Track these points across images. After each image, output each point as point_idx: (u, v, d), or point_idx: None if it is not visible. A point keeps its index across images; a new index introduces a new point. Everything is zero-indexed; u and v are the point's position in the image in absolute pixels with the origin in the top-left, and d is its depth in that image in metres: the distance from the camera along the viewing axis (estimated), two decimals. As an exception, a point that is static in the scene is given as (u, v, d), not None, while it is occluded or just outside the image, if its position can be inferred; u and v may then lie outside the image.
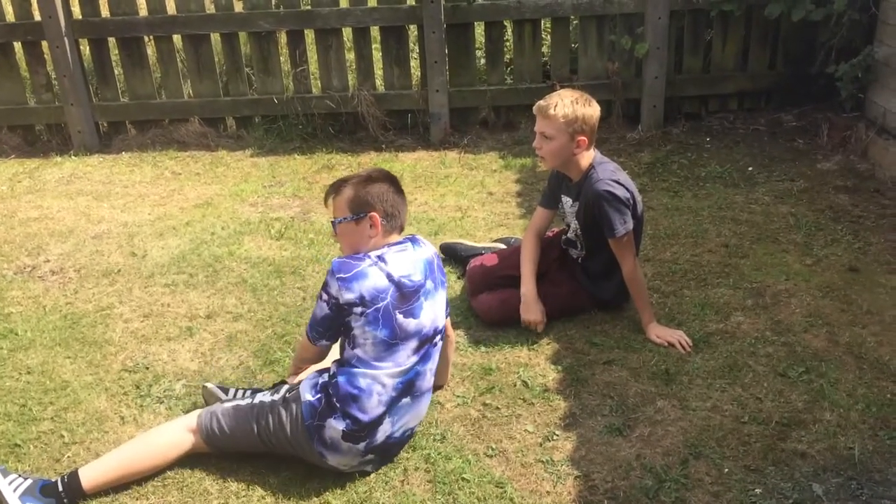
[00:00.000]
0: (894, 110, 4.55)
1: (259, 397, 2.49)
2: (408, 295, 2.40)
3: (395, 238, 2.52)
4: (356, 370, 2.37)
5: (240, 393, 2.68)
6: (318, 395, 2.39)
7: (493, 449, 2.55)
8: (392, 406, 2.40)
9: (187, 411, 2.70)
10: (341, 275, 2.35)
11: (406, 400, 2.44)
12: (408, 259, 2.45)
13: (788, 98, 5.43)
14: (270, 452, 2.48)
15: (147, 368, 3.04)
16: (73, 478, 2.36)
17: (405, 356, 2.40)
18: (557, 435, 2.60)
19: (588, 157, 3.09)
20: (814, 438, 2.52)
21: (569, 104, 2.97)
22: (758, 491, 2.34)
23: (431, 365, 2.52)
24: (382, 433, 2.41)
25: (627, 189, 3.06)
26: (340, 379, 2.37)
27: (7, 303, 3.56)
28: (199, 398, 2.81)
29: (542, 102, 3.04)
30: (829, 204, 4.19)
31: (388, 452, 2.48)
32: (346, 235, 2.51)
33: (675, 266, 3.62)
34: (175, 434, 2.47)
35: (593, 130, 3.04)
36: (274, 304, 3.46)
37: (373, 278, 2.36)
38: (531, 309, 3.13)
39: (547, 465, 2.47)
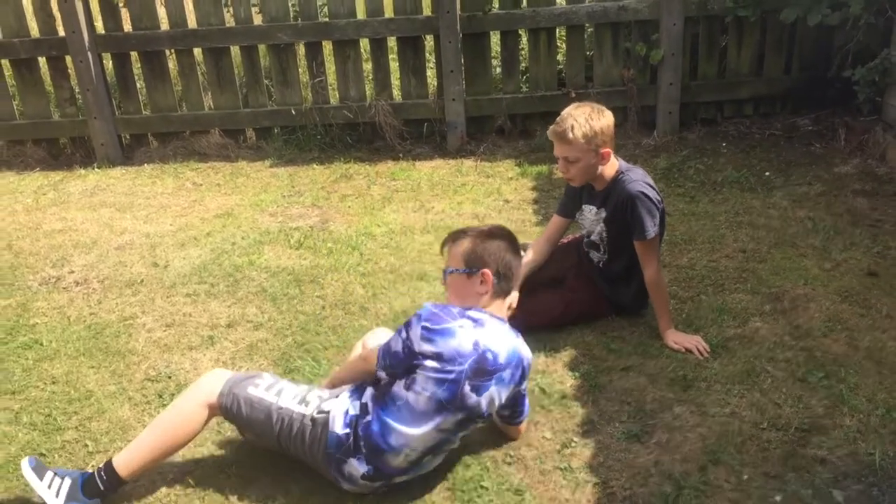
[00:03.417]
0: (913, 113, 4.53)
1: (286, 402, 2.41)
2: (484, 371, 2.32)
3: (500, 303, 2.48)
4: (394, 425, 2.30)
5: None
6: (347, 431, 2.33)
7: (511, 456, 2.56)
8: (416, 464, 2.38)
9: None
10: (427, 324, 2.30)
11: (429, 457, 2.40)
12: (502, 337, 2.39)
13: (805, 102, 5.41)
14: (280, 452, 2.49)
15: (169, 377, 3.08)
16: (109, 469, 2.37)
17: (449, 423, 2.33)
18: (575, 442, 2.61)
19: (613, 164, 3.09)
20: (834, 444, 2.51)
21: (584, 122, 2.95)
22: (778, 498, 2.33)
23: (465, 434, 2.46)
24: (399, 478, 2.40)
25: (657, 192, 3.08)
26: (374, 428, 2.31)
27: (32, 313, 3.63)
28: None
29: (556, 128, 3.00)
30: (847, 208, 4.16)
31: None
32: (455, 287, 2.48)
33: (692, 271, 3.61)
34: (195, 412, 2.44)
35: (612, 138, 3.04)
36: (293, 312, 3.49)
37: (458, 339, 2.30)
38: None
39: (565, 472, 2.48)
